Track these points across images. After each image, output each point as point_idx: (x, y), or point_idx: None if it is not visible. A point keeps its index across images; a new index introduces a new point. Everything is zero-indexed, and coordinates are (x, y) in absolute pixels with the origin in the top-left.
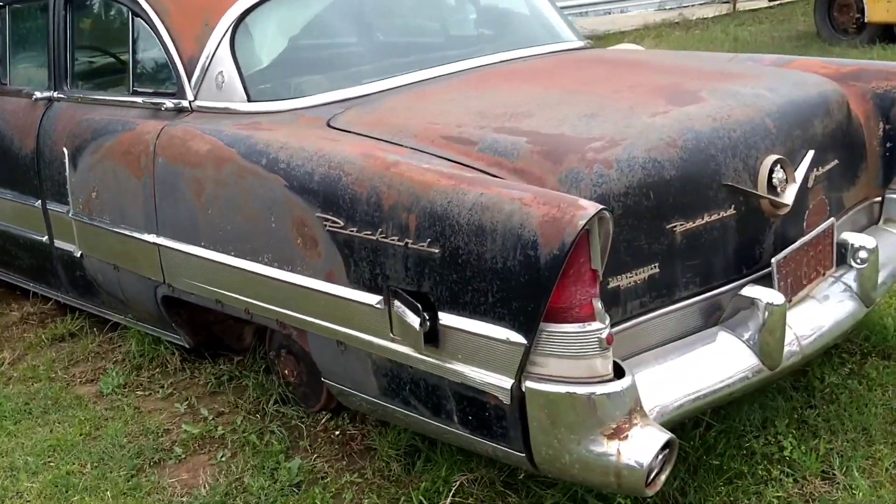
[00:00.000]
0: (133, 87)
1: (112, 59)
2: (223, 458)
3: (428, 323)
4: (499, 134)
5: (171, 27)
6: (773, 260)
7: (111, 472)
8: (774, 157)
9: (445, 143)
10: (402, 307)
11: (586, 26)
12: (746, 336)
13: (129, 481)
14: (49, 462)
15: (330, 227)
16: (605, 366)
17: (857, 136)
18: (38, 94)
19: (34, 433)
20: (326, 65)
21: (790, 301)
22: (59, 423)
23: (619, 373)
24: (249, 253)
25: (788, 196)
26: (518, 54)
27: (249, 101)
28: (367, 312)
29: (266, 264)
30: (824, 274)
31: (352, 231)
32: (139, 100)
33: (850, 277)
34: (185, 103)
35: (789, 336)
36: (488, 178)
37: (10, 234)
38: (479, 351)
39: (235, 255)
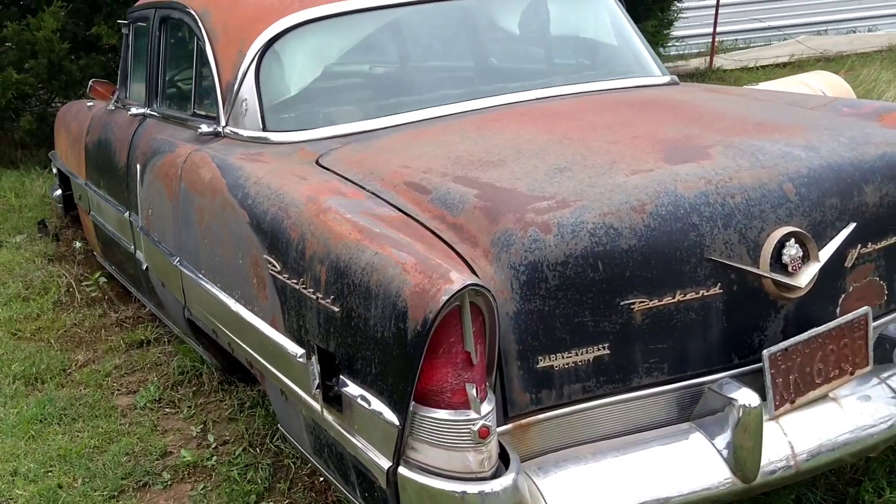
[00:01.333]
0: (193, 109)
1: (188, 80)
2: (202, 491)
3: (329, 385)
4: (455, 184)
5: (216, 51)
6: (764, 352)
7: (95, 491)
8: (788, 229)
9: (405, 190)
10: (314, 365)
11: (816, 46)
12: (719, 439)
13: (107, 502)
14: (49, 471)
15: (271, 270)
16: (480, 462)
17: None
18: (133, 110)
19: (52, 440)
20: (346, 97)
21: (793, 402)
22: (79, 431)
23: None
24: (226, 287)
25: (804, 277)
26: (559, 91)
27: (264, 130)
28: (296, 365)
29: (236, 300)
30: (853, 372)
31: (285, 277)
32: (189, 122)
33: (890, 378)
34: (218, 128)
35: (780, 445)
36: (391, 236)
37: (114, 239)
38: (367, 424)
39: (220, 288)
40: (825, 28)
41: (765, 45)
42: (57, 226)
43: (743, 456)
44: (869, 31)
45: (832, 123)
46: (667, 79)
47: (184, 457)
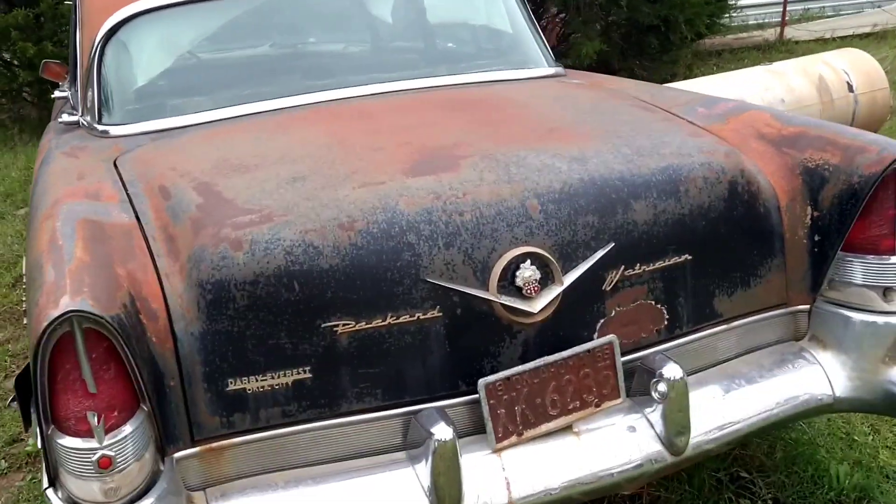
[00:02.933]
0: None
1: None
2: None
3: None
4: (193, 191)
5: (81, 38)
6: (480, 382)
7: None
8: (524, 249)
9: (155, 195)
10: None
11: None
12: (422, 472)
13: None
14: None
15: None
16: (105, 492)
17: (759, 224)
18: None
19: None
20: (179, 90)
21: (521, 434)
22: None
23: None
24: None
25: (540, 301)
26: (401, 86)
27: (99, 122)
28: None
29: None
30: (599, 405)
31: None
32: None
33: (651, 413)
34: (77, 118)
35: (496, 481)
36: (66, 250)
37: None
38: None
39: None
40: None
41: (855, 12)
42: None
43: (442, 491)
44: None
45: (640, 130)
46: (550, 71)
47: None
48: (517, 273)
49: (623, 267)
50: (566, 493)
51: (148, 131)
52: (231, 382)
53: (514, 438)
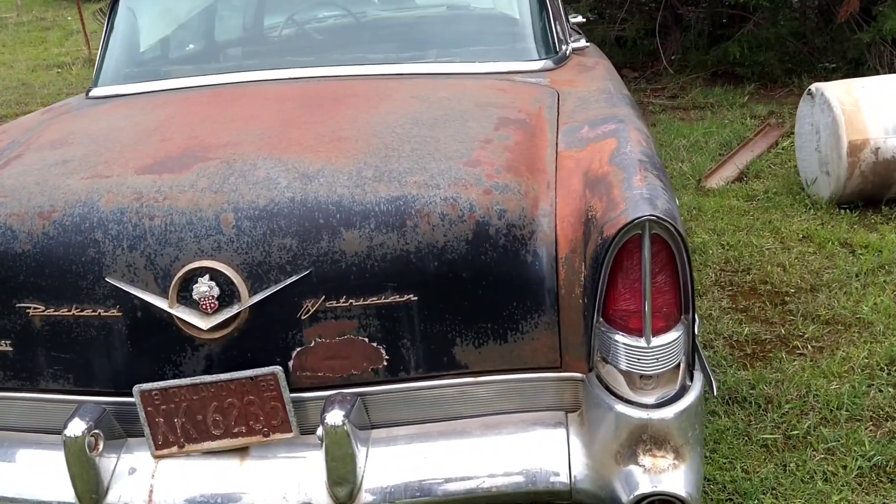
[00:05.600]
0: None
1: None
2: None
3: None
4: (6, 167)
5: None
6: (135, 388)
7: None
8: (207, 263)
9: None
10: None
11: None
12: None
13: None
14: None
15: None
16: None
17: (521, 273)
18: None
19: None
20: (167, 56)
21: (182, 447)
22: None
23: None
24: None
25: (215, 318)
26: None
27: (95, 86)
28: None
29: None
30: (268, 434)
31: None
32: None
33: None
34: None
35: (141, 486)
36: None
37: None
38: None
39: None
40: None
41: None
42: None
43: (76, 484)
44: None
45: (424, 152)
46: (538, 65)
47: None
48: (194, 287)
49: (324, 297)
50: None
51: (111, 95)
52: None
53: (174, 449)
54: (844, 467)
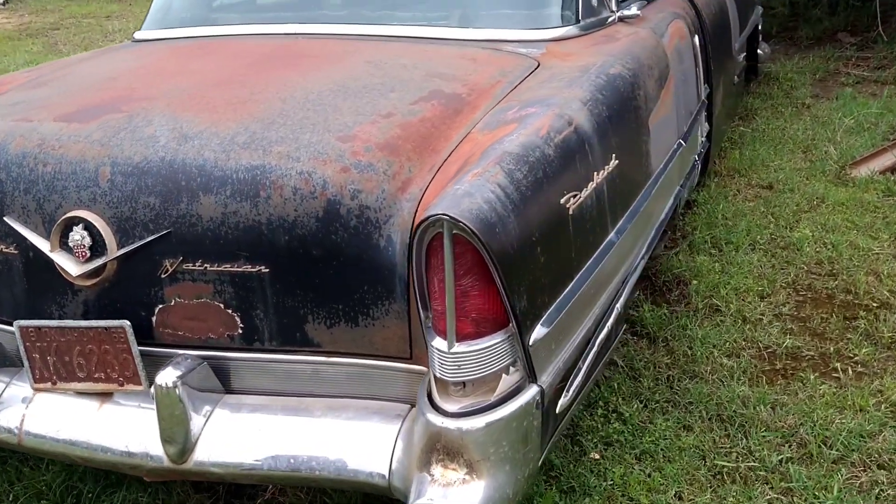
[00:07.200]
0: None
1: None
2: None
3: None
4: None
5: None
6: (16, 323)
7: None
8: (82, 214)
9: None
10: None
11: None
12: None
13: None
14: None
15: None
16: None
17: (371, 257)
18: None
19: None
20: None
21: (55, 383)
22: None
23: None
24: None
25: (83, 267)
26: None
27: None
28: None
29: None
30: (123, 384)
31: None
32: None
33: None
34: None
35: (15, 414)
36: None
37: None
38: None
39: None
40: None
41: None
42: None
43: None
44: None
45: (318, 121)
46: (553, 33)
47: None
48: (69, 234)
49: (182, 258)
50: (64, 450)
51: (148, 39)
52: None
53: (49, 384)
54: None
